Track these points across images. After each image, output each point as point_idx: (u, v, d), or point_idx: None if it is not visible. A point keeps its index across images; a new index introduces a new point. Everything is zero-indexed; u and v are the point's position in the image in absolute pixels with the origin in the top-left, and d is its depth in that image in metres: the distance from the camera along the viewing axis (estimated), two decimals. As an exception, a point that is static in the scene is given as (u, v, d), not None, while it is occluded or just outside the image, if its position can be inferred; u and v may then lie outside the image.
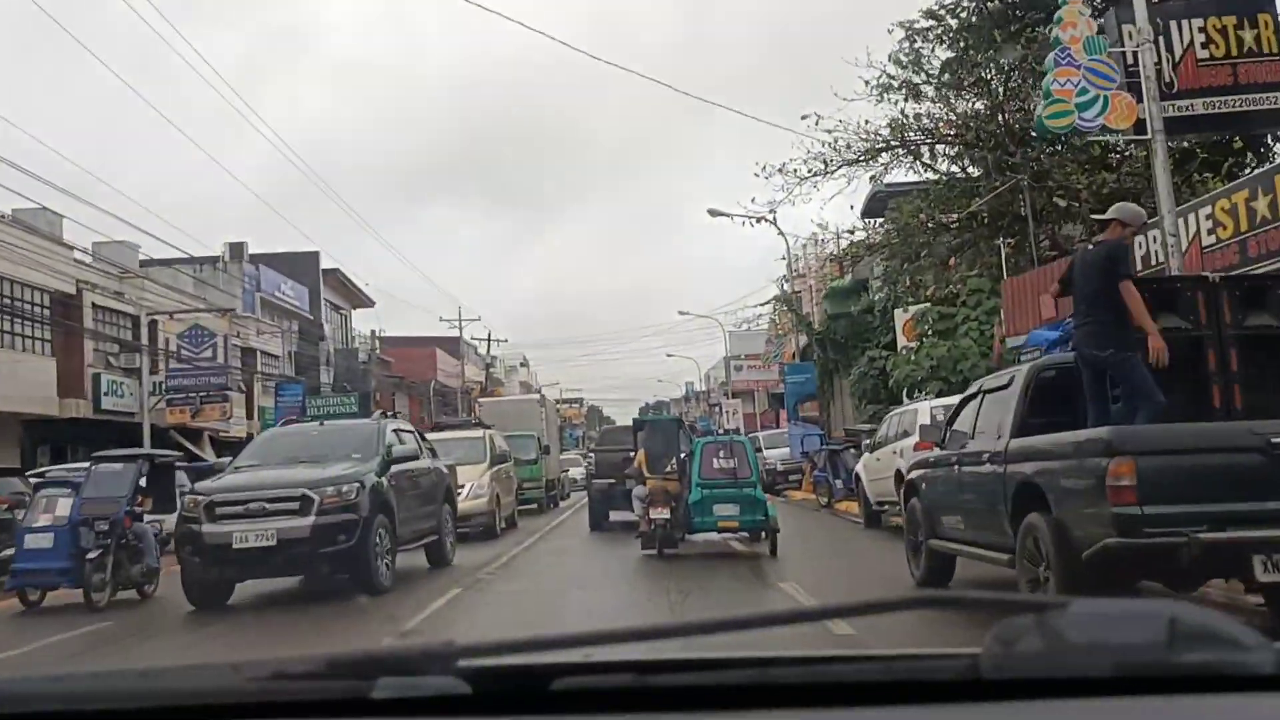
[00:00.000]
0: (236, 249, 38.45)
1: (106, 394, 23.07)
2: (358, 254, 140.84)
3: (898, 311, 21.92)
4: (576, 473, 34.78)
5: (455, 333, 63.55)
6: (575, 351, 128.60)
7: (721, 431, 16.18)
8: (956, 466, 7.77)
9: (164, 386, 22.89)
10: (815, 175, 22.41)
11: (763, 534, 12.34)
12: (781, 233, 28.82)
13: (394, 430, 12.36)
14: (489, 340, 60.47)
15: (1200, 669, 1.06)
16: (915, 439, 13.36)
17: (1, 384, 21.06)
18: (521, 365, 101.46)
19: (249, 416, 32.98)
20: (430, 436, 18.32)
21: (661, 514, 12.23)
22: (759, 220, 22.26)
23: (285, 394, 29.93)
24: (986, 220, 21.62)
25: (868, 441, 16.32)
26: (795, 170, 22.25)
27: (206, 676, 1.28)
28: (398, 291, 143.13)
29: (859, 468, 16.19)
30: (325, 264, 45.81)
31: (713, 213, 28.65)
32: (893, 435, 14.67)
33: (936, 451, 8.58)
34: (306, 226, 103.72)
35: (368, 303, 52.07)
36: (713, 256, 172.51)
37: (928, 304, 20.97)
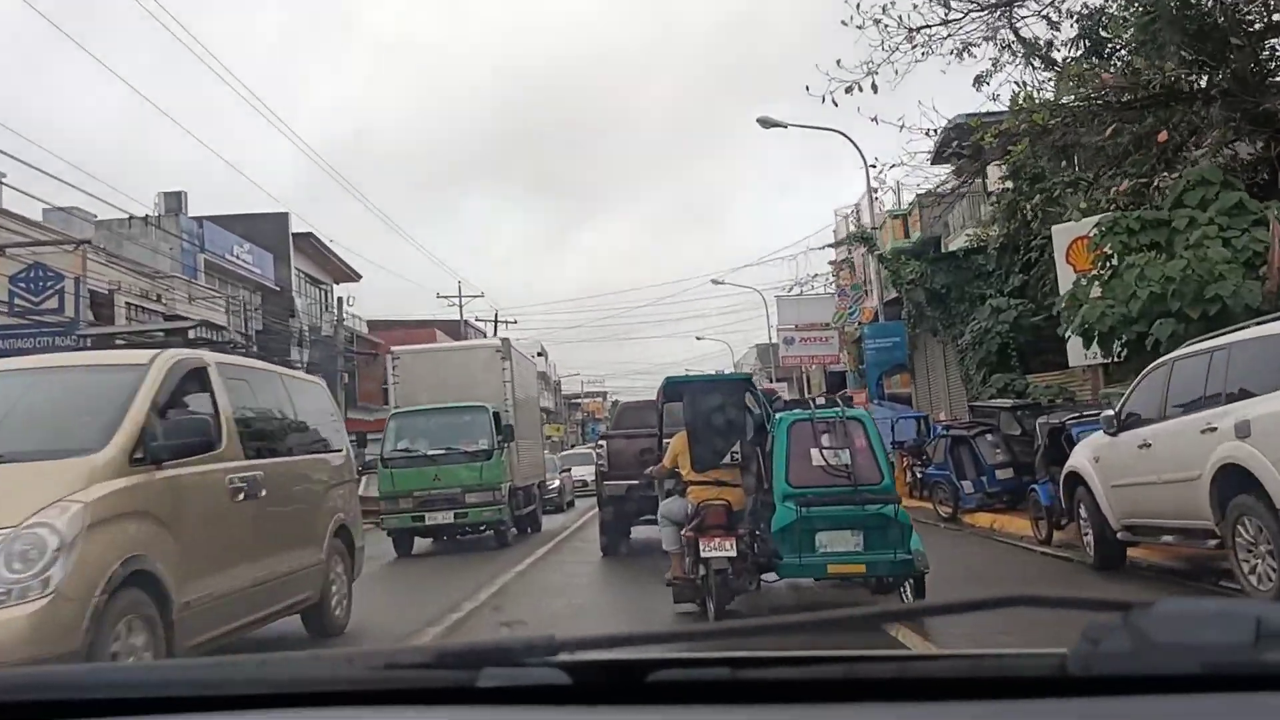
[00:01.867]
0: (173, 200, 31.52)
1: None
2: (377, 241, 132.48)
3: (1058, 229, 14.53)
4: (585, 472, 27.68)
5: (463, 315, 56.95)
6: (598, 335, 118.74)
7: (816, 403, 8.94)
8: None
9: (-10, 352, 15.87)
10: (927, 28, 15.14)
11: (901, 581, 7.33)
12: (851, 141, 21.33)
13: None
14: (495, 321, 53.28)
15: None
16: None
17: None
18: (539, 355, 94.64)
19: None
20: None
21: (720, 550, 7.25)
22: (852, 88, 14.80)
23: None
24: (1192, 88, 14.29)
25: (1105, 414, 8.88)
26: (901, 19, 14.96)
27: (323, 666, 1.37)
28: (411, 277, 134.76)
29: (1083, 464, 8.88)
30: (298, 228, 38.99)
31: (765, 122, 21.36)
32: (1184, 400, 7.34)
33: None
34: (333, 215, 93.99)
35: (352, 276, 45.15)
36: (763, 239, 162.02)
37: (1114, 211, 13.59)
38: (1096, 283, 12.96)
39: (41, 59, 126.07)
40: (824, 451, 7.33)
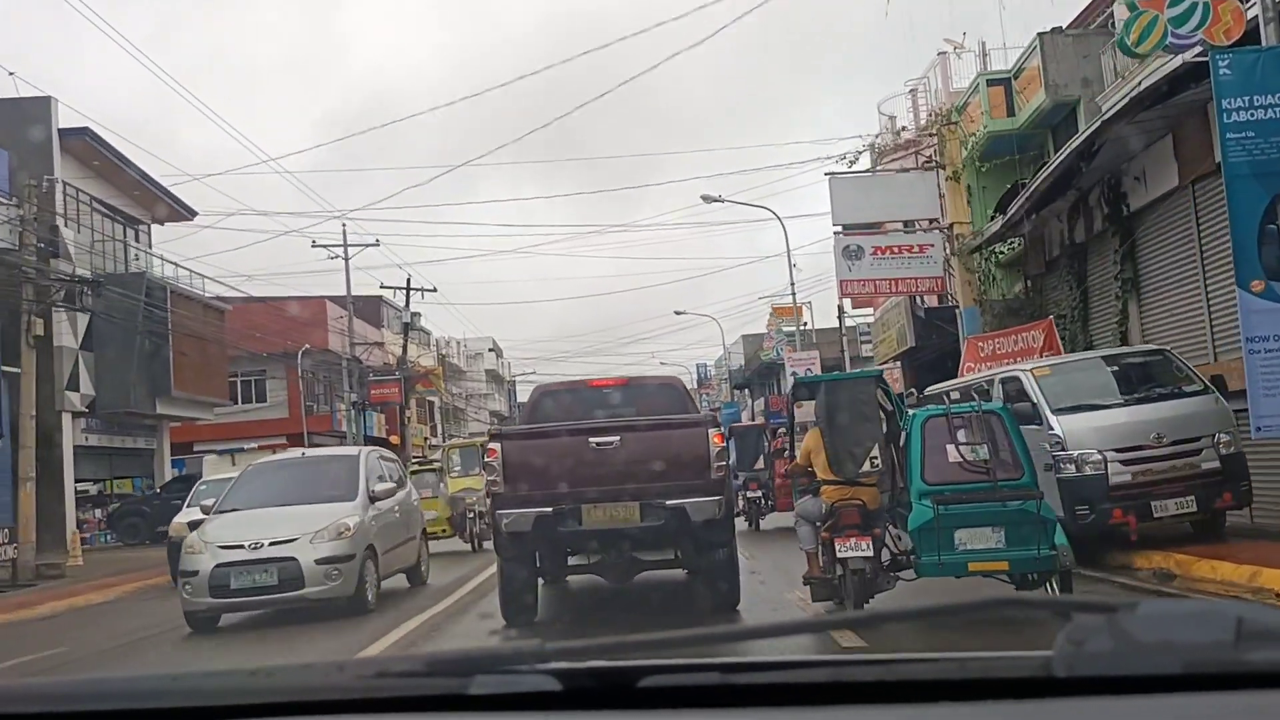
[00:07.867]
0: None
1: None
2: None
3: None
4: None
5: (380, 291, 43.21)
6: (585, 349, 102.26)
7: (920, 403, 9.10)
8: None
9: None
10: None
11: (1046, 578, 7.47)
12: None
13: None
14: (408, 289, 39.26)
15: (1267, 666, 1.06)
16: None
17: None
18: (490, 351, 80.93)
19: None
20: None
21: (857, 551, 7.60)
22: None
23: None
24: None
25: None
26: None
27: (315, 674, 1.38)
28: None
29: None
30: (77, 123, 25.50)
31: None
32: None
33: None
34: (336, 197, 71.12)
35: (183, 213, 31.27)
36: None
37: None
38: None
39: None
40: (960, 447, 7.51)
